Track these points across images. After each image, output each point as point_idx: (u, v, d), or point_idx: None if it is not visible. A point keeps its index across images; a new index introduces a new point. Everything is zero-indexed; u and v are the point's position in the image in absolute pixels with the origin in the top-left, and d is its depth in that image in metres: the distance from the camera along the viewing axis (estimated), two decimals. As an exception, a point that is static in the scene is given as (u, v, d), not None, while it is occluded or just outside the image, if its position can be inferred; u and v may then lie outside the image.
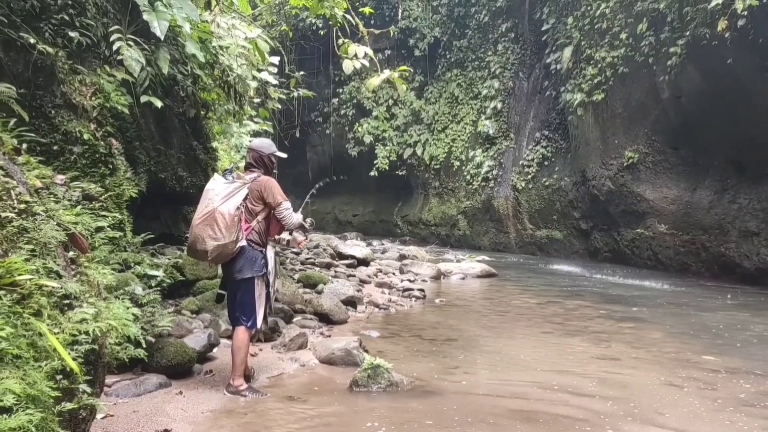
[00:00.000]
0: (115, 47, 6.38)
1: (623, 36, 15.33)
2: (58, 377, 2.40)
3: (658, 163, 15.10)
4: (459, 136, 23.97)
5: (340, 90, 28.28)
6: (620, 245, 16.75)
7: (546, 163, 20.04)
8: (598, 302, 10.62)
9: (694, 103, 13.49)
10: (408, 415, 4.63)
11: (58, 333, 2.47)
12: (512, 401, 5.18)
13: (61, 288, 2.62)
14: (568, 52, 17.92)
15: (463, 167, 23.46)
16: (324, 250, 13.83)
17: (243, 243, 4.78)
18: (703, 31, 12.33)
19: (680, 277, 14.39)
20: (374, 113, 26.92)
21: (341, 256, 13.56)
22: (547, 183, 19.60)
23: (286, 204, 4.94)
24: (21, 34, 5.49)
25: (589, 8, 17.01)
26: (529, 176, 20.38)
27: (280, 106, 13.09)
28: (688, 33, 12.95)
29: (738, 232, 13.06)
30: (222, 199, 4.71)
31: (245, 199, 4.86)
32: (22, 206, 2.65)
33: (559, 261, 18.19)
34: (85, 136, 6.04)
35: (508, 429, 4.42)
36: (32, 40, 5.53)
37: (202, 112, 10.24)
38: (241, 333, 4.86)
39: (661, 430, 4.48)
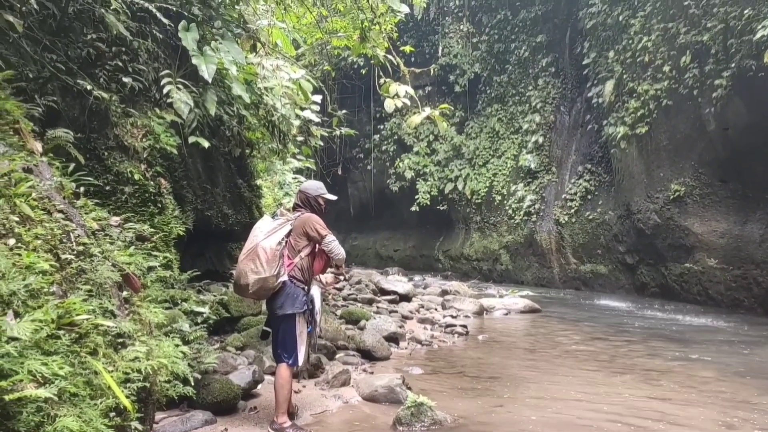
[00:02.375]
0: (165, 90, 6.63)
1: (666, 69, 15.21)
2: (112, 414, 2.47)
3: (706, 196, 14.79)
4: (500, 170, 23.91)
5: (381, 126, 28.59)
6: (668, 280, 16.35)
7: (589, 196, 19.80)
8: (646, 339, 10.36)
9: (741, 134, 13.24)
10: (452, 455, 4.59)
11: (113, 371, 2.56)
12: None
13: (116, 327, 2.71)
14: (609, 85, 17.83)
15: (505, 201, 23.34)
16: (366, 285, 13.85)
17: (284, 278, 4.85)
18: (749, 62, 12.16)
19: (732, 313, 13.95)
20: (415, 149, 27.08)
21: (383, 291, 13.56)
22: (590, 217, 19.35)
23: (331, 237, 5.02)
24: (78, 81, 5.76)
25: (630, 42, 16.95)
26: (572, 210, 20.15)
27: (322, 144, 13.31)
28: (733, 65, 12.79)
29: (792, 266, 12.66)
30: (265, 234, 4.83)
31: (288, 235, 4.96)
32: (81, 248, 2.77)
33: (605, 296, 17.82)
34: (136, 177, 6.26)
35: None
36: (88, 87, 5.78)
37: (247, 151, 10.48)
38: (284, 370, 4.90)
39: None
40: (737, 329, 11.67)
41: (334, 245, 5.01)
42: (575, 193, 20.18)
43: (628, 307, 15.38)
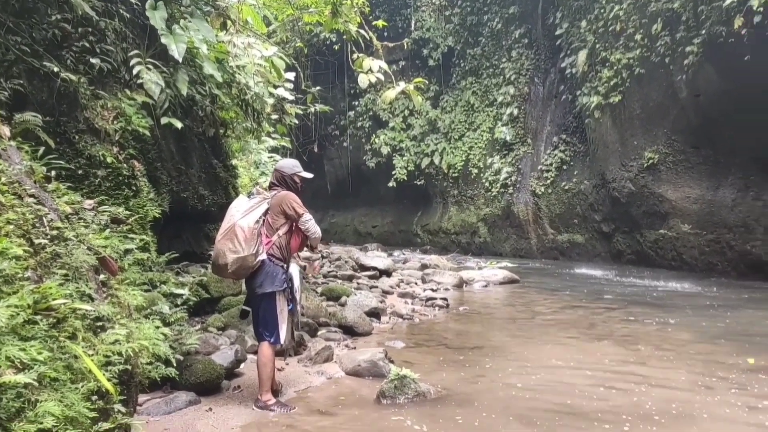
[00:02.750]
0: (135, 71, 6.51)
1: (638, 37, 15.28)
2: (94, 398, 2.46)
3: (679, 163, 14.98)
4: (476, 143, 23.95)
5: (356, 103, 28.43)
6: (644, 247, 16.60)
7: (565, 167, 19.95)
8: (624, 305, 10.53)
9: (713, 101, 13.39)
10: (437, 424, 4.65)
11: (93, 355, 2.54)
12: (541, 403, 5.19)
13: (94, 311, 2.68)
14: (582, 55, 17.88)
15: (482, 174, 23.42)
16: (345, 262, 13.88)
17: (263, 257, 4.84)
18: (719, 29, 12.26)
19: (706, 277, 14.22)
20: (391, 124, 27.00)
21: (363, 267, 13.59)
22: (566, 187, 19.51)
23: (308, 215, 5.02)
24: (44, 63, 5.62)
25: (602, 11, 16.98)
26: (548, 181, 20.30)
27: (297, 122, 13.20)
28: (704, 32, 12.88)
29: (764, 229, 12.90)
30: (242, 213, 4.81)
31: (265, 214, 4.94)
32: (54, 232, 2.72)
33: (582, 265, 18.05)
34: (108, 160, 6.16)
35: (536, 430, 4.42)
36: (55, 69, 5.65)
37: (221, 131, 10.36)
38: (266, 348, 4.91)
39: (693, 427, 4.46)
40: (711, 293, 11.91)
41: (310, 224, 5.00)
42: (551, 164, 20.31)
43: (605, 274, 15.61)
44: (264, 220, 4.94)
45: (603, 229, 18.33)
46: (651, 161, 15.41)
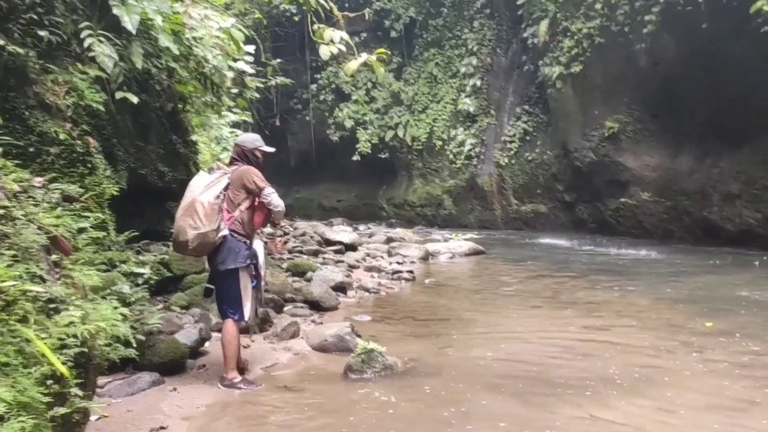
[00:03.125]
0: (86, 44, 6.27)
1: (598, 6, 15.32)
2: (49, 382, 2.37)
3: (639, 132, 15.18)
4: (440, 115, 23.91)
5: (318, 76, 28.05)
6: (605, 215, 16.86)
7: (528, 138, 20.06)
8: (586, 273, 10.70)
9: (671, 69, 13.54)
10: (405, 394, 4.66)
11: (46, 338, 2.44)
12: (507, 371, 5.25)
13: (46, 292, 2.58)
14: (544, 25, 17.87)
15: (446, 146, 23.43)
16: (311, 237, 13.78)
17: (225, 232, 4.74)
18: (677, -3, 12.35)
19: (665, 243, 14.54)
20: (353, 97, 26.73)
21: (328, 242, 13.52)
22: (529, 158, 19.65)
23: (270, 189, 4.91)
24: (-11, 36, 5.38)
25: (562, -20, 16.96)
26: (512, 152, 20.41)
27: (258, 96, 12.97)
28: (662, 0, 12.95)
29: (720, 195, 13.18)
30: (202, 189, 4.70)
31: (226, 189, 4.83)
32: (1, 211, 2.60)
33: (546, 234, 18.27)
34: (61, 136, 5.94)
35: (503, 396, 4.45)
36: (1, 42, 5.41)
37: (180, 106, 10.10)
38: (230, 326, 4.83)
39: (654, 389, 4.54)
40: (670, 259, 12.17)
41: (273, 197, 4.90)
42: (514, 135, 20.41)
43: (568, 243, 15.83)
44: (225, 196, 4.82)
45: (566, 199, 18.55)
46: (612, 130, 15.58)
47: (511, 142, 20.49)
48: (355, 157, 26.19)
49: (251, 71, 10.99)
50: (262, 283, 5.25)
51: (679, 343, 6.00)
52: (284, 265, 10.04)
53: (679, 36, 12.93)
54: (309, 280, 9.08)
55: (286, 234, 13.97)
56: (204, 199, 4.64)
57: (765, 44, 10.95)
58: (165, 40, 7.49)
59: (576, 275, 10.57)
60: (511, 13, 21.09)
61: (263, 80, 12.02)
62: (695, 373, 5.05)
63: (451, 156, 23.11)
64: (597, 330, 6.71)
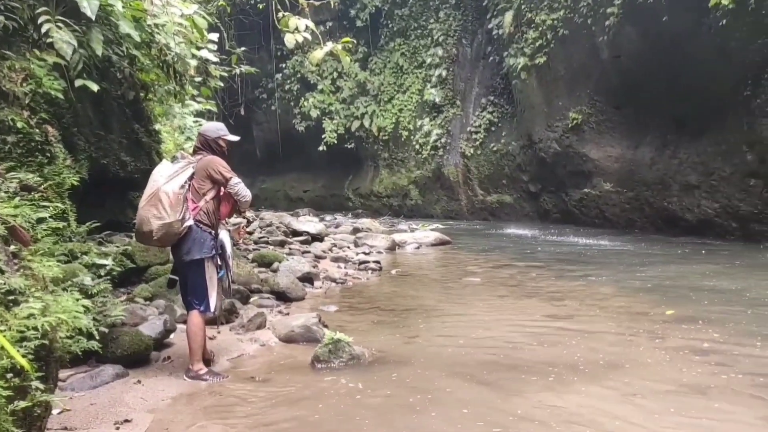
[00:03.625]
0: (43, 30, 6.10)
1: (562, -2, 15.46)
2: (9, 376, 2.32)
3: (602, 123, 15.40)
4: (406, 105, 23.93)
5: (284, 65, 27.81)
6: (569, 206, 17.10)
7: (493, 128, 20.21)
8: (551, 263, 10.85)
9: (633, 62, 13.76)
10: (372, 382, 4.68)
11: (5, 330, 2.39)
12: (473, 359, 5.30)
13: (4, 284, 2.52)
14: (509, 16, 17.98)
15: (412, 137, 23.48)
16: (277, 228, 13.70)
17: (190, 223, 4.67)
18: (639, -10, 12.53)
19: (627, 233, 14.82)
20: (319, 87, 26.59)
21: (295, 233, 13.46)
22: (495, 148, 19.80)
23: (236, 179, 4.85)
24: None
25: (527, -28, 17.07)
26: (477, 142, 20.54)
27: (222, 85, 12.78)
28: (624, -7, 13.14)
29: (679, 186, 13.46)
30: (166, 178, 4.61)
31: (191, 178, 4.76)
32: (-45, 201, 2.52)
33: (511, 224, 18.48)
34: (19, 125, 5.79)
35: (468, 383, 4.49)
36: (-47, 27, 5.24)
37: (142, 94, 9.92)
38: (195, 317, 4.78)
39: (616, 376, 4.63)
40: (632, 248, 12.41)
41: (239, 187, 4.84)
42: (479, 126, 20.54)
43: (532, 233, 16.03)
44: (190, 186, 4.75)
45: (530, 189, 18.76)
46: (575, 121, 15.77)
47: (476, 132, 20.62)
48: (321, 148, 26.09)
49: (215, 59, 10.82)
50: (230, 273, 5.20)
51: (641, 330, 6.12)
52: (250, 256, 9.97)
53: (641, 29, 13.13)
54: (275, 271, 9.03)
55: (250, 223, 13.86)
56: (169, 188, 4.57)
57: (723, 38, 11.20)
58: (126, 27, 7.34)
59: (540, 265, 10.71)
60: (476, 4, 21.17)
61: (227, 68, 11.85)
62: (656, 359, 5.15)
63: (417, 146, 23.17)
64: (561, 318, 6.81)
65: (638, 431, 3.73)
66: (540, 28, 16.49)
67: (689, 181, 13.16)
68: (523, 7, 17.32)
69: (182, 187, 4.63)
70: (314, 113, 26.31)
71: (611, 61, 14.40)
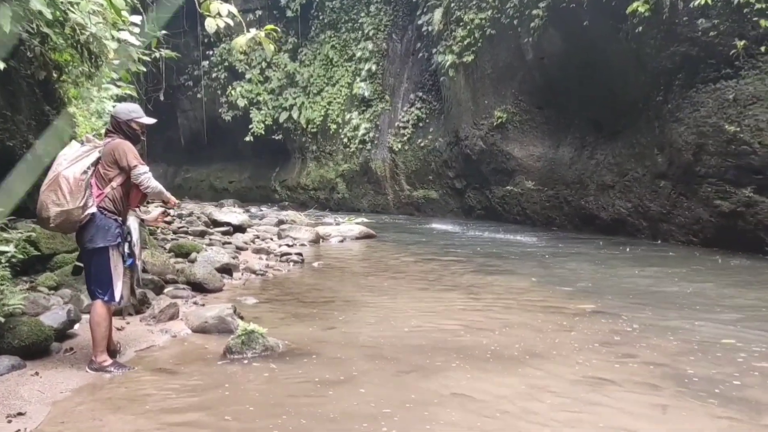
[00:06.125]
0: (-58, 1, 5.73)
1: (490, -2, 15.73)
2: None
3: (525, 122, 15.77)
4: (335, 98, 23.83)
5: (210, 52, 27.18)
6: (492, 202, 17.45)
7: (421, 124, 20.38)
8: (471, 257, 11.03)
9: (555, 63, 14.14)
10: (282, 373, 4.65)
11: None
12: (387, 349, 5.33)
13: None
14: (438, 14, 18.16)
15: (340, 130, 23.41)
16: (197, 218, 13.39)
17: (93, 210, 4.47)
18: (563, -6, 12.88)
19: (547, 230, 15.24)
20: (247, 76, 26.14)
21: (216, 223, 13.18)
22: (422, 144, 19.97)
23: (142, 168, 4.64)
24: None
25: (457, -30, 17.28)
26: (405, 138, 20.67)
27: (144, 69, 12.34)
28: (549, -4, 13.48)
29: (596, 185, 13.94)
30: (69, 162, 4.39)
31: (96, 163, 4.55)
32: None
33: (436, 220, 18.70)
34: None
35: (382, 372, 4.50)
36: None
37: (55, 75, 9.46)
38: (99, 307, 4.58)
39: (528, 366, 4.74)
40: (550, 245, 12.77)
41: (144, 177, 4.62)
42: (408, 121, 20.67)
43: (456, 229, 16.28)
44: (95, 170, 4.54)
45: (456, 186, 19.03)
46: (500, 120, 16.09)
47: (404, 128, 20.74)
48: (248, 138, 25.70)
49: (137, 42, 10.42)
50: (138, 262, 5.02)
51: (554, 323, 6.29)
52: (168, 246, 9.70)
53: (564, 32, 13.51)
54: (193, 262, 8.82)
55: (171, 210, 13.45)
56: (69, 173, 4.34)
57: (638, 44, 11.64)
58: (37, 3, 6.95)
59: (461, 259, 10.88)
60: (407, 0, 21.28)
61: (147, 52, 11.45)
62: (566, 351, 5.31)
63: (345, 140, 23.13)
64: (478, 311, 6.93)
65: (538, 419, 3.83)
66: (468, 27, 16.72)
67: (605, 181, 13.64)
68: (452, 5, 17.53)
69: (84, 172, 4.41)
70: (242, 103, 25.86)
71: (536, 62, 14.75)
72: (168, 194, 4.97)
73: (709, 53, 10.36)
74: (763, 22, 9.44)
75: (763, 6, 9.46)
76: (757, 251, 10.26)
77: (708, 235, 11.24)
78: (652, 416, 3.89)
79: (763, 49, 9.66)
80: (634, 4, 11.18)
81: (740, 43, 9.79)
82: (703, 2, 9.86)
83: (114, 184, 4.60)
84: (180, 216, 13.30)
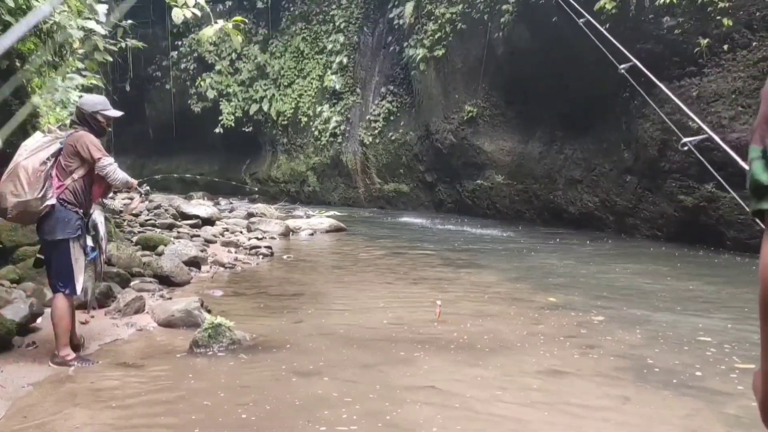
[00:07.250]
0: None
1: (461, -7, 15.78)
2: None
3: (495, 117, 15.88)
4: (306, 91, 23.69)
5: (180, 43, 26.80)
6: (462, 196, 17.55)
7: (392, 117, 20.37)
8: (440, 251, 11.09)
9: (525, 59, 14.25)
10: (249, 365, 4.66)
11: None
12: (357, 341, 5.38)
13: None
14: (409, 7, 18.16)
15: (311, 123, 23.29)
16: (166, 210, 13.23)
17: (52, 201, 4.40)
18: (532, -11, 12.97)
19: (516, 224, 15.39)
20: (217, 67, 25.84)
21: (184, 216, 13.03)
22: (393, 137, 19.98)
23: (107, 160, 4.57)
24: None
25: (428, -36, 17.28)
26: (376, 131, 20.66)
27: (110, 59, 12.14)
28: (518, -9, 13.57)
29: (564, 180, 14.12)
30: (28, 153, 4.32)
31: (57, 155, 4.47)
32: None
33: (406, 213, 18.75)
34: None
35: (350, 365, 4.52)
36: None
37: (17, 64, 9.26)
38: (60, 300, 4.51)
39: (493, 358, 4.80)
40: (519, 238, 12.91)
41: (110, 169, 4.56)
42: (379, 115, 20.65)
43: (426, 222, 16.33)
44: (56, 162, 4.47)
45: (426, 179, 19.10)
46: (470, 114, 16.18)
47: (375, 121, 20.72)
48: (218, 130, 25.43)
49: (103, 32, 10.25)
50: (103, 256, 4.96)
51: (521, 315, 6.38)
52: (135, 239, 9.57)
53: (533, 27, 13.62)
54: (160, 254, 8.71)
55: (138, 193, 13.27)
56: (28, 164, 4.27)
57: (605, 40, 11.76)
58: (-2, -10, 6.82)
59: (430, 253, 10.93)
60: (378, -7, 21.25)
61: (113, 41, 11.28)
62: (532, 343, 5.39)
63: (316, 133, 23.03)
64: (446, 303, 6.98)
65: (500, 408, 3.89)
66: (439, 21, 16.76)
67: (573, 176, 13.82)
68: (423, -1, 17.54)
69: (44, 163, 4.34)
70: (211, 94, 25.57)
71: (506, 57, 14.85)
72: (132, 180, 4.91)
73: (673, 51, 10.55)
74: (726, 21, 9.64)
75: (726, 5, 9.65)
76: (718, 245, 10.50)
77: (672, 230, 11.46)
78: (612, 407, 3.99)
79: (725, 47, 9.87)
80: (602, 1, 11.32)
81: (704, 42, 9.98)
82: (668, 0, 10.03)
83: (75, 176, 4.53)
84: (148, 209, 13.11)
